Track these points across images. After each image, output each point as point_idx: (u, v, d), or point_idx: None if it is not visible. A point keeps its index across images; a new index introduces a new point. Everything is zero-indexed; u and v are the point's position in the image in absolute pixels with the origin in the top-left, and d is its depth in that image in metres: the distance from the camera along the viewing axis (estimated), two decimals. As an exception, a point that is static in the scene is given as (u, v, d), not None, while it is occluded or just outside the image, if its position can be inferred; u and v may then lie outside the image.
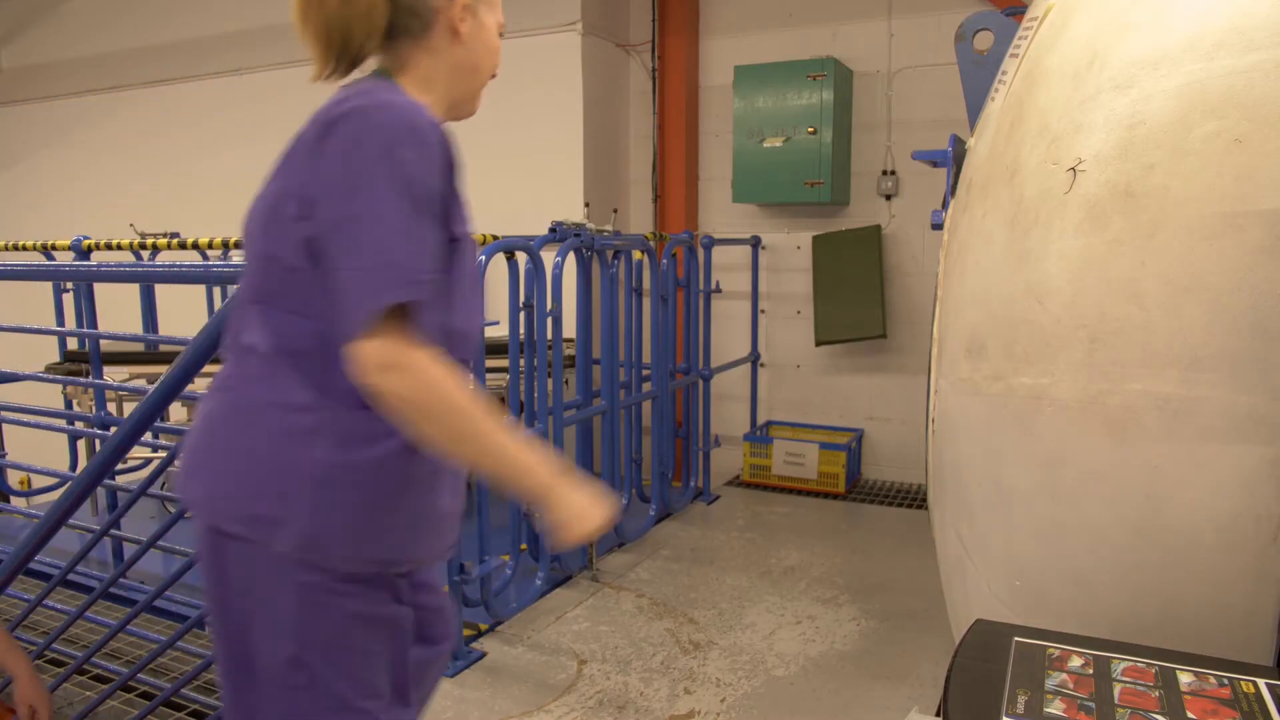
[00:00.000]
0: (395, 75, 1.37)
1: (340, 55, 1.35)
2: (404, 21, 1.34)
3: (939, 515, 2.15)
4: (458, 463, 1.36)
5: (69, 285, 4.19)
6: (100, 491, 3.90)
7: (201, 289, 5.10)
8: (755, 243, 5.25)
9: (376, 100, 1.25)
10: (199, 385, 3.95)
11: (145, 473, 4.42)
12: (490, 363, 3.34)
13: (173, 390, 2.09)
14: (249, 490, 1.29)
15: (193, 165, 6.64)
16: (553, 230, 3.52)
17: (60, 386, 4.68)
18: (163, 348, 4.52)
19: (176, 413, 4.58)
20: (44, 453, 4.24)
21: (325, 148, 1.23)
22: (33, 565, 2.86)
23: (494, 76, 1.46)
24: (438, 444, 1.27)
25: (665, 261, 4.28)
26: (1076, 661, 1.32)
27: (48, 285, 4.46)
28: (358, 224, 1.20)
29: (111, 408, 4.09)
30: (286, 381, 1.30)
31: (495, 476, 1.31)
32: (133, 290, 4.63)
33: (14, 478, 4.81)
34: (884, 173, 5.04)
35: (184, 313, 4.90)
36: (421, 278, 1.22)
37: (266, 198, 1.32)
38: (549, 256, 3.43)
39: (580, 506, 1.32)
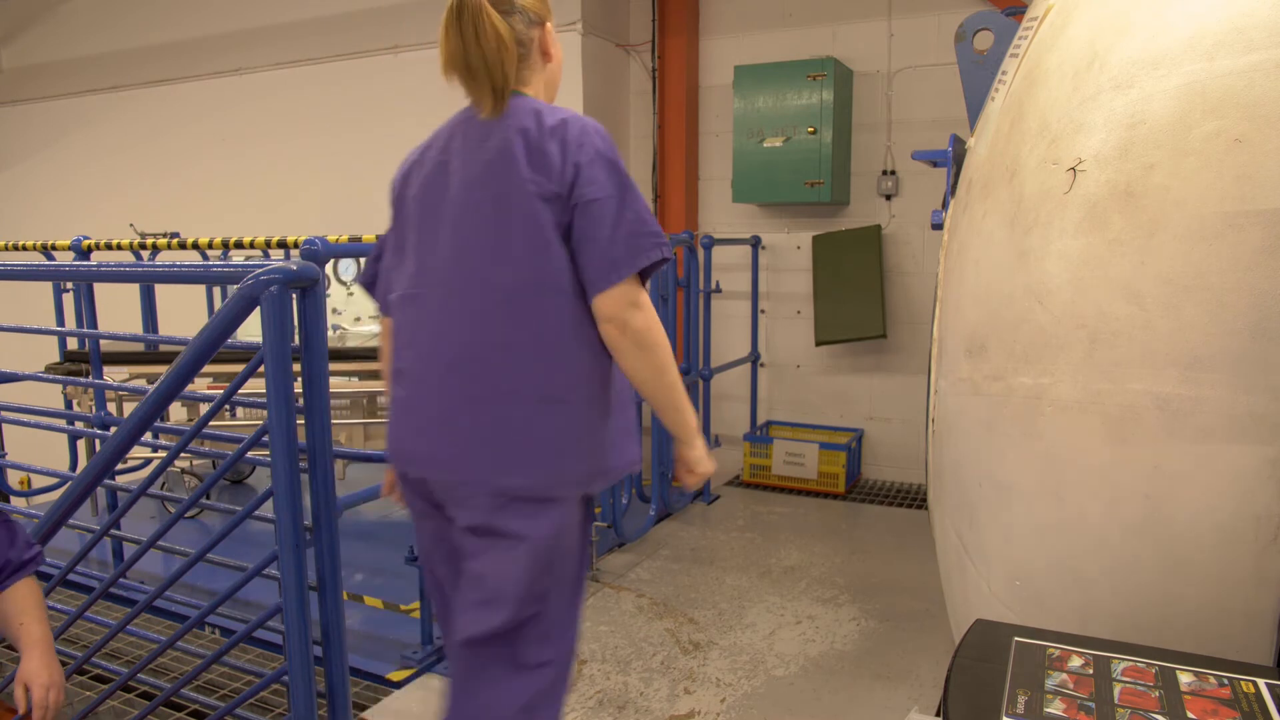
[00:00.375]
0: (525, 91, 1.71)
1: (500, 91, 1.66)
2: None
3: (939, 515, 2.15)
4: (646, 390, 1.65)
5: (69, 285, 4.19)
6: (100, 491, 3.91)
7: (201, 289, 5.10)
8: (755, 243, 5.25)
9: (571, 114, 1.64)
10: (199, 385, 3.96)
11: (145, 473, 4.43)
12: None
13: (172, 390, 2.09)
14: (593, 460, 1.67)
15: (193, 165, 6.65)
16: (553, 230, 3.51)
17: (60, 386, 4.68)
18: (163, 348, 4.52)
19: (176, 413, 4.58)
20: (44, 453, 4.23)
21: (557, 153, 1.59)
22: (33, 565, 2.85)
23: None
24: (642, 370, 1.62)
25: (665, 261, 4.27)
26: (1076, 661, 1.32)
27: (48, 285, 4.46)
28: (622, 202, 1.58)
29: (111, 408, 4.08)
30: (580, 367, 1.63)
31: (665, 408, 1.67)
32: (133, 290, 4.63)
33: (14, 478, 4.81)
34: (884, 173, 5.04)
35: (184, 313, 4.91)
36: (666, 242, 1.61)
37: (509, 206, 1.60)
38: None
39: (704, 453, 1.75)
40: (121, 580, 2.67)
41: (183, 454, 2.62)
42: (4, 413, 3.39)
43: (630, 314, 1.57)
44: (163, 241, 4.54)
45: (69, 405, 4.44)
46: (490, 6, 1.62)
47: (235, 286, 1.95)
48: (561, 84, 1.84)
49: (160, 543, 2.39)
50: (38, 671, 1.65)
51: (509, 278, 1.59)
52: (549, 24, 1.75)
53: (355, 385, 4.50)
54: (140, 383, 4.31)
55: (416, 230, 1.72)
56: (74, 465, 4.25)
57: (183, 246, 4.19)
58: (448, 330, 1.64)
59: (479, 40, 1.61)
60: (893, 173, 5.02)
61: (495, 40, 1.61)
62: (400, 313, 1.74)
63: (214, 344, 2.01)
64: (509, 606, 1.62)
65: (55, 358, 4.54)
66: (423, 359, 1.68)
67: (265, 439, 2.02)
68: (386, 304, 1.81)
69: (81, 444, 4.29)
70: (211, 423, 2.51)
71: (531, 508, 1.62)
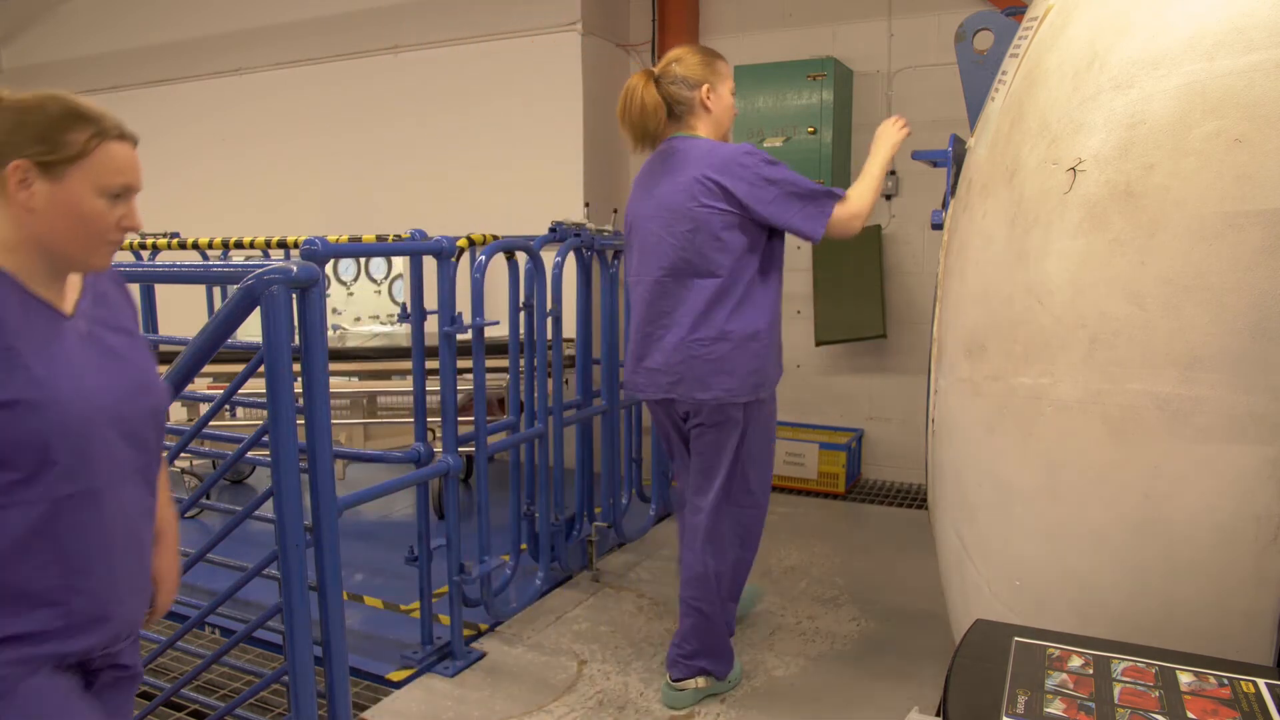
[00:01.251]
0: (697, 133, 2.58)
1: (647, 139, 2.59)
2: (678, 109, 2.58)
3: (939, 515, 2.15)
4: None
5: (69, 285, 4.18)
6: (100, 491, 3.89)
7: (201, 289, 5.10)
8: (755, 243, 5.24)
9: (727, 147, 2.50)
10: (199, 385, 3.95)
11: (145, 473, 4.42)
12: (490, 363, 3.34)
13: (172, 390, 2.08)
14: (754, 377, 2.53)
15: (193, 165, 6.64)
16: (553, 230, 3.52)
17: (60, 386, 4.67)
18: (163, 348, 4.52)
19: (176, 413, 4.58)
20: (44, 453, 4.23)
21: (736, 172, 2.44)
22: (33, 565, 2.84)
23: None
24: (863, 214, 2.61)
25: (665, 261, 4.28)
26: (1076, 661, 1.32)
27: (48, 285, 4.45)
28: (790, 192, 2.47)
29: (111, 408, 4.07)
30: (764, 318, 2.53)
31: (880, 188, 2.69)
32: (133, 290, 4.63)
33: (14, 478, 4.79)
34: (884, 173, 5.03)
35: (184, 313, 4.90)
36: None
37: (685, 217, 2.47)
38: (549, 256, 3.43)
39: (891, 135, 2.79)
40: (121, 580, 2.66)
41: (183, 454, 2.62)
42: (4, 413, 3.38)
43: (838, 229, 2.54)
44: (163, 241, 4.54)
45: (69, 405, 4.43)
46: (644, 85, 2.51)
47: (235, 286, 1.95)
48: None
49: (160, 543, 2.38)
50: (169, 570, 1.53)
51: (706, 272, 2.46)
52: (706, 85, 2.57)
53: (355, 385, 4.51)
54: (140, 383, 4.30)
55: (639, 235, 2.60)
56: (74, 465, 4.24)
57: (183, 246, 4.20)
58: (670, 305, 2.52)
59: (632, 109, 2.52)
60: (893, 173, 5.01)
61: (640, 109, 2.51)
62: (635, 291, 2.64)
63: (214, 344, 2.01)
64: (722, 471, 2.58)
65: (55, 358, 4.53)
66: (653, 323, 2.56)
67: (265, 439, 2.03)
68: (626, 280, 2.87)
69: (81, 444, 4.28)
70: (211, 423, 2.51)
71: (736, 409, 2.52)
